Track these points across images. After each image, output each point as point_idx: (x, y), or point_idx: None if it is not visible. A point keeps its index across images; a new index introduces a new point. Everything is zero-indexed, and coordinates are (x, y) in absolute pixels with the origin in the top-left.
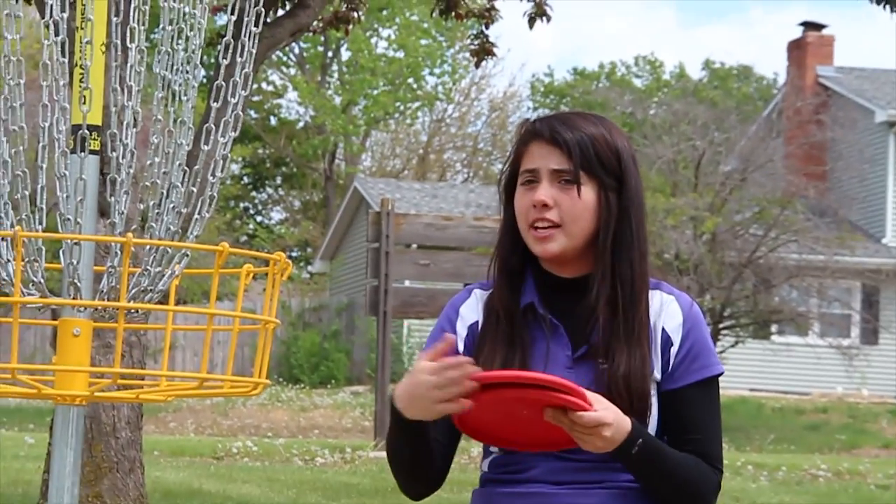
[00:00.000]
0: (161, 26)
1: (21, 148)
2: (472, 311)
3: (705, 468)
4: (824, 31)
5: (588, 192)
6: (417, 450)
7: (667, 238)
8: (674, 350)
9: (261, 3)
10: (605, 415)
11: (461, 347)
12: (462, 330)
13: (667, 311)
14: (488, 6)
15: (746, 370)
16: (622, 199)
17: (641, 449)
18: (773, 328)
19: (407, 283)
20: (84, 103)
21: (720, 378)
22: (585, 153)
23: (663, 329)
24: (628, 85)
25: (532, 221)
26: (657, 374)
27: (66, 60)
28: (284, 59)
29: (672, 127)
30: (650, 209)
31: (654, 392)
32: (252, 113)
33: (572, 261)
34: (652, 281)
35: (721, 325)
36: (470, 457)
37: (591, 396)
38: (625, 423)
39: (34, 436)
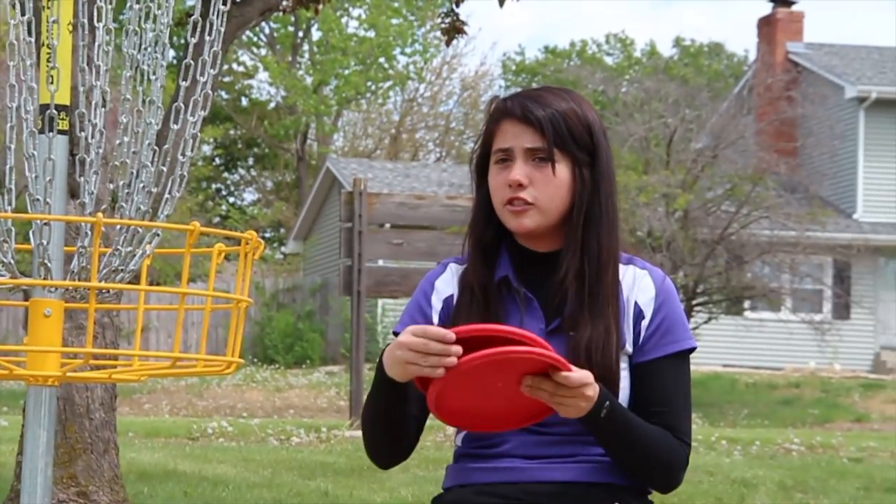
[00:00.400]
0: (129, 5)
1: None
2: (447, 284)
3: (674, 441)
4: (794, 8)
5: (562, 169)
6: (394, 411)
7: (639, 215)
8: (645, 323)
9: None
10: (587, 373)
11: (436, 320)
12: (437, 303)
13: (639, 284)
14: None
15: (719, 346)
16: (594, 173)
17: (609, 413)
18: (746, 304)
19: (380, 262)
20: (52, 83)
21: (694, 353)
22: (558, 130)
23: (636, 303)
24: (599, 63)
25: (507, 200)
26: (629, 348)
27: (33, 40)
28: (255, 39)
29: (643, 104)
30: (622, 187)
31: (625, 366)
32: (223, 94)
33: (546, 235)
34: (625, 256)
35: (694, 302)
36: (445, 434)
37: (557, 357)
38: (595, 386)
39: (8, 418)
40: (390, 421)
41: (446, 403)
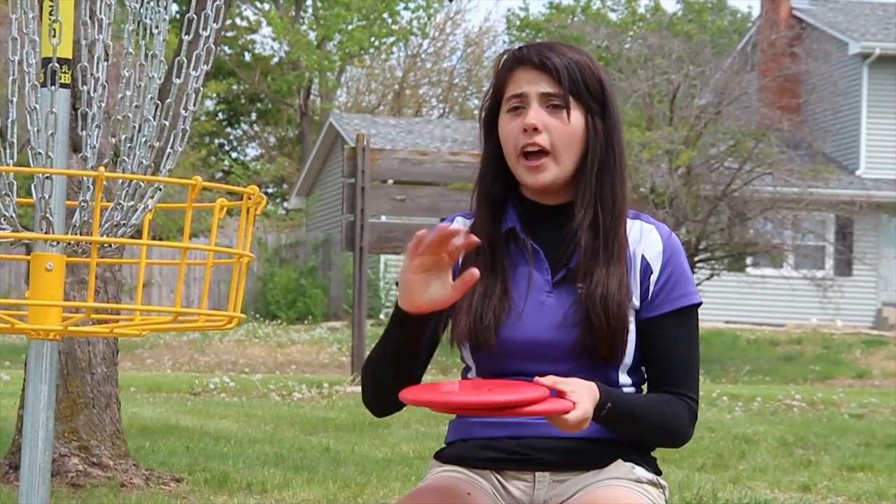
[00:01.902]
0: None
1: None
2: None
3: (677, 405)
4: None
5: (576, 117)
6: (406, 347)
7: (642, 172)
8: (653, 278)
9: None
10: (585, 407)
11: None
12: None
13: (647, 239)
14: None
15: (722, 302)
16: (606, 124)
17: (609, 411)
18: (748, 261)
19: (383, 218)
20: (54, 36)
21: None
22: (573, 77)
23: (643, 257)
24: (603, 19)
25: (522, 147)
26: (636, 302)
27: None
28: None
29: (647, 61)
30: (626, 144)
31: (632, 320)
32: (226, 49)
33: (556, 188)
34: (631, 212)
35: (696, 258)
36: None
37: (565, 385)
38: (594, 393)
39: (10, 373)
40: (401, 357)
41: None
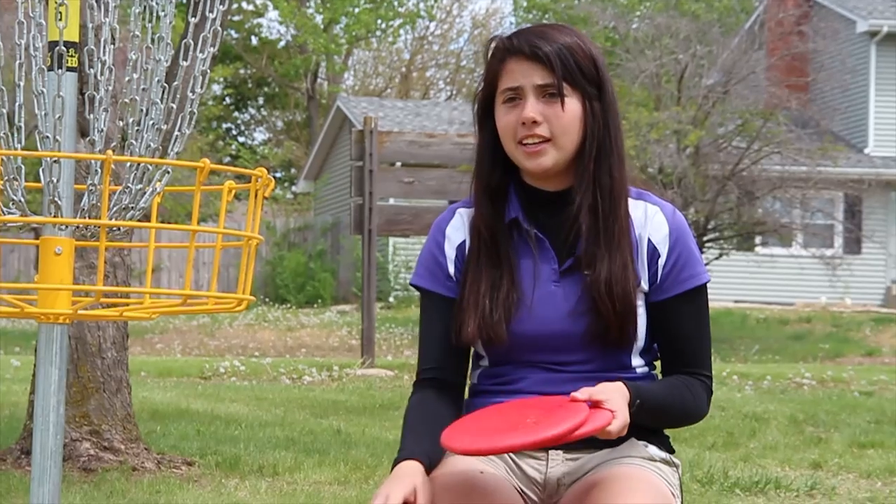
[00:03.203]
0: None
1: None
2: (457, 231)
3: (696, 387)
4: None
5: (573, 104)
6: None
7: (650, 152)
8: (661, 261)
9: None
10: (623, 414)
11: (451, 269)
12: (451, 251)
13: (652, 222)
14: None
15: (731, 282)
16: (603, 106)
17: (639, 408)
18: (757, 240)
19: (391, 200)
20: (60, 20)
21: (706, 289)
22: (567, 65)
23: (649, 240)
24: None
25: (521, 139)
26: (644, 286)
27: None
28: None
29: (654, 41)
30: (633, 123)
31: (641, 303)
32: (232, 33)
33: (556, 173)
34: (635, 191)
35: (705, 238)
36: None
37: (600, 395)
38: (625, 394)
39: (20, 358)
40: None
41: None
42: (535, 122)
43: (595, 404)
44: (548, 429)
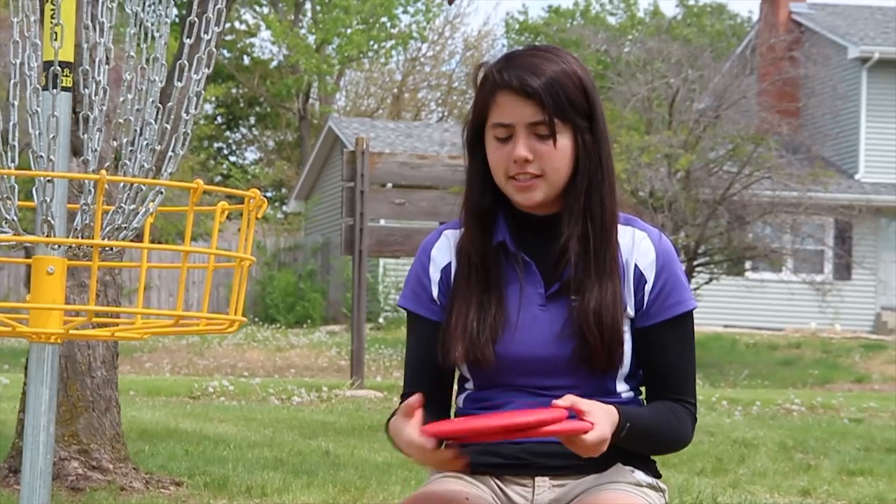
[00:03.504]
0: None
1: None
2: (443, 253)
3: (681, 413)
4: None
5: (564, 140)
6: None
7: (641, 176)
8: (647, 287)
9: None
10: (603, 430)
11: (435, 292)
12: (435, 274)
13: (639, 248)
14: None
15: (721, 307)
16: (594, 136)
17: (628, 432)
18: (747, 265)
19: (382, 221)
20: (55, 39)
21: (695, 314)
22: (557, 100)
23: (636, 266)
24: (602, 23)
25: (512, 175)
26: (630, 312)
27: None
28: None
29: (646, 65)
30: (625, 147)
31: (627, 329)
32: (225, 52)
33: (547, 202)
34: (624, 216)
35: (695, 262)
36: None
37: (583, 405)
38: (613, 417)
39: (9, 376)
40: None
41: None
42: (526, 161)
43: (577, 414)
44: (521, 416)
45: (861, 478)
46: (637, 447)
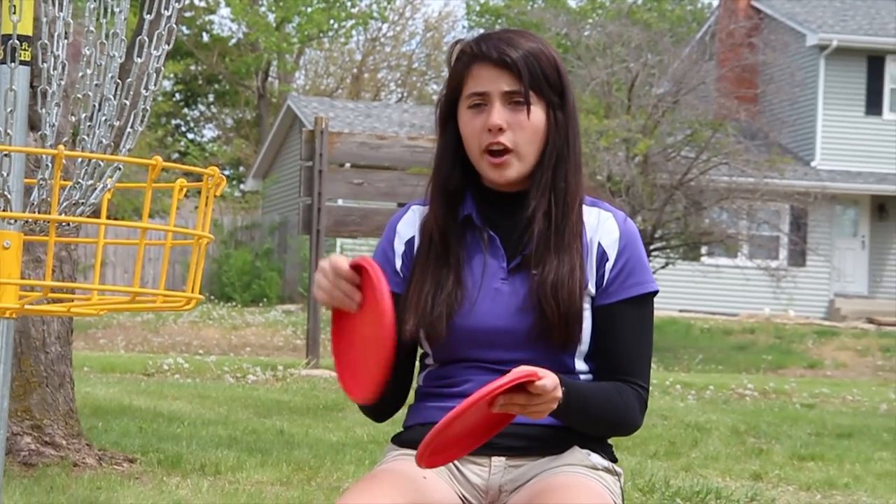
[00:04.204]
0: None
1: None
2: (408, 226)
3: (628, 394)
4: None
5: (537, 112)
6: None
7: (599, 159)
8: (609, 265)
9: None
10: (553, 376)
11: (399, 263)
12: (399, 246)
13: (604, 227)
14: None
15: (676, 291)
16: (564, 114)
17: (565, 395)
18: (703, 250)
19: (340, 201)
20: (14, 13)
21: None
22: (533, 72)
23: (599, 244)
24: (563, 6)
25: (486, 146)
26: (591, 289)
27: None
28: None
29: (606, 49)
30: (584, 131)
31: (588, 306)
32: (184, 29)
33: (519, 178)
34: (590, 199)
35: (652, 247)
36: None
37: (525, 369)
38: (555, 379)
39: None
40: None
41: (437, 456)
42: (500, 130)
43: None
44: (477, 393)
45: (812, 462)
46: (574, 420)
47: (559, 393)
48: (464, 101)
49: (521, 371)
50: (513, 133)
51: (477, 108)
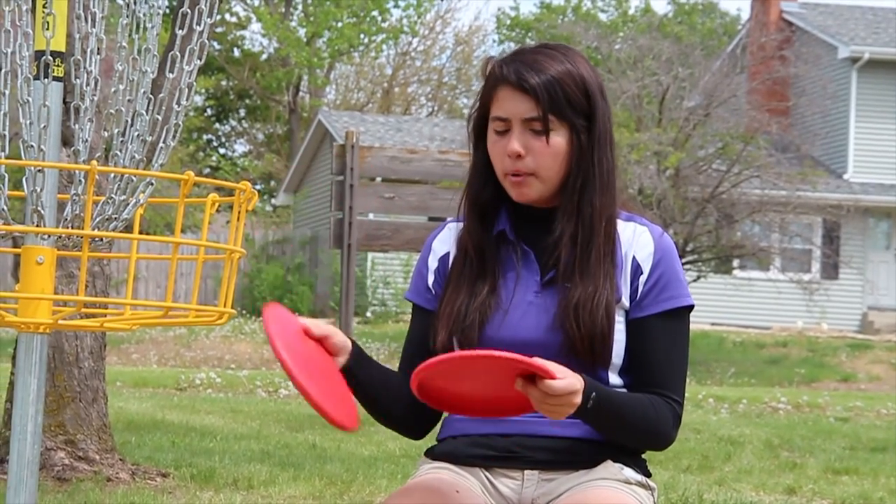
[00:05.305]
0: None
1: None
2: (444, 243)
3: (661, 407)
4: None
5: (558, 138)
6: (365, 395)
7: (630, 173)
8: (643, 278)
9: None
10: (573, 381)
11: (431, 279)
12: (433, 263)
13: (639, 241)
14: None
15: (708, 305)
16: (591, 136)
17: (595, 402)
18: (735, 263)
19: (371, 216)
20: (47, 29)
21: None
22: (554, 97)
23: (634, 258)
24: (594, 19)
25: (507, 171)
26: (626, 302)
27: None
28: None
29: (637, 62)
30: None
31: (621, 319)
32: (215, 44)
33: (541, 199)
34: (625, 214)
35: (683, 260)
36: None
37: (554, 367)
38: (581, 380)
39: None
40: (367, 401)
41: (433, 393)
42: (519, 157)
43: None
44: (495, 352)
45: (846, 476)
46: (604, 426)
47: (577, 399)
48: (491, 122)
49: (540, 361)
50: (533, 158)
51: (501, 133)
